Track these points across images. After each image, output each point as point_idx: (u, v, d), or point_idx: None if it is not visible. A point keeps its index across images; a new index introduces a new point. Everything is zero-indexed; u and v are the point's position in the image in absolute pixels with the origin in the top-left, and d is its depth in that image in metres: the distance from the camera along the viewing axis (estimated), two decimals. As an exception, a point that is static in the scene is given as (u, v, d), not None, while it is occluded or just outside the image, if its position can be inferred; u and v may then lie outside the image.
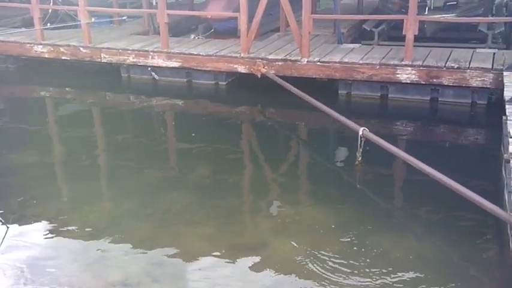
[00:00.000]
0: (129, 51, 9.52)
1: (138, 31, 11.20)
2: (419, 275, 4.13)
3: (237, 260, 4.42)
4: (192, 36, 10.86)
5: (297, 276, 4.18)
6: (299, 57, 8.42)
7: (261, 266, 4.32)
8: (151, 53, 9.36)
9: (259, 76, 8.53)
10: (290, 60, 8.46)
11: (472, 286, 4.02)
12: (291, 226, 4.97)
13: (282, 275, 4.21)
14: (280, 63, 8.51)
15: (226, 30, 10.50)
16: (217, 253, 4.51)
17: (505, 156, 4.75)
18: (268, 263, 4.35)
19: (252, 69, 8.61)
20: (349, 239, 4.65)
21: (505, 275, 3.96)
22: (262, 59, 8.60)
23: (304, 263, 4.32)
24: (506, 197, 4.38)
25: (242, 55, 8.76)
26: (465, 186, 4.65)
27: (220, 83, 9.16)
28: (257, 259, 4.41)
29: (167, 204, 5.35)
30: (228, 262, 4.40)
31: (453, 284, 4.02)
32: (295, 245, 4.58)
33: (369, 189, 5.67)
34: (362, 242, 4.59)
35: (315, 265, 4.28)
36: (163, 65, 9.31)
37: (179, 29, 11.52)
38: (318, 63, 8.27)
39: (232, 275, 4.24)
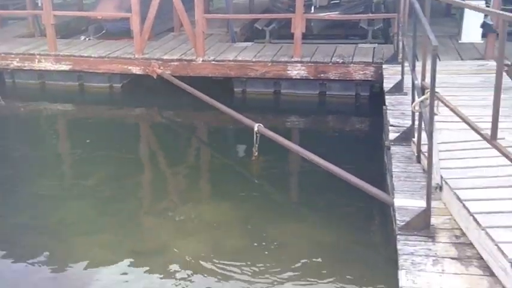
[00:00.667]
0: (12, 55, 8.97)
1: (22, 34, 10.56)
2: (315, 261, 4.38)
3: (139, 265, 4.38)
4: (82, 37, 10.46)
5: (200, 275, 4.23)
6: (194, 57, 8.46)
7: (163, 269, 4.31)
8: (37, 57, 8.89)
9: (155, 77, 8.45)
10: (185, 60, 8.48)
11: (361, 265, 4.34)
12: (192, 226, 5.02)
13: (184, 276, 4.24)
14: (175, 63, 8.49)
15: (119, 31, 10.23)
16: (118, 260, 4.43)
17: (386, 143, 5.15)
18: (170, 265, 4.36)
19: (147, 71, 8.50)
20: (249, 233, 4.81)
21: (390, 253, 4.32)
22: (157, 59, 8.53)
23: (207, 261, 4.39)
24: (389, 181, 4.78)
25: (136, 56, 8.62)
26: (353, 173, 4.99)
27: (114, 85, 8.94)
28: (159, 262, 4.40)
29: (62, 214, 5.15)
30: (129, 269, 4.35)
31: (346, 266, 4.31)
32: (197, 244, 4.64)
33: (267, 183, 5.89)
34: (262, 234, 4.75)
35: (217, 262, 4.37)
36: (52, 68, 8.88)
37: (68, 30, 11.03)
38: (213, 62, 8.37)
39: (134, 282, 4.20)
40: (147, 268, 4.34)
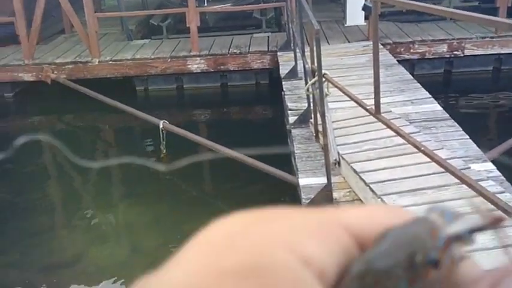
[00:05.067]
0: None
1: None
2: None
3: (53, 279, 4.27)
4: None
5: (119, 280, 4.21)
6: (90, 58, 8.21)
7: (78, 279, 4.24)
8: None
9: (49, 82, 8.09)
10: (81, 62, 8.21)
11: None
12: (108, 232, 4.96)
13: (102, 282, 4.20)
14: (70, 66, 8.19)
15: (4, 37, 9.62)
16: (29, 278, 4.28)
17: (288, 126, 5.39)
18: (85, 274, 4.30)
19: (40, 76, 8.12)
20: (166, 232, 4.84)
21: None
22: (49, 64, 8.17)
23: (124, 265, 4.37)
24: (293, 162, 5.02)
25: (26, 62, 8.20)
26: (262, 159, 5.16)
27: (6, 95, 8.44)
28: (73, 273, 4.31)
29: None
30: (43, 285, 4.22)
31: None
32: (113, 249, 4.60)
33: (177, 179, 5.93)
34: (178, 231, 4.80)
35: (134, 265, 4.35)
36: None
37: None
38: (110, 62, 8.18)
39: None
40: (59, 282, 4.23)
